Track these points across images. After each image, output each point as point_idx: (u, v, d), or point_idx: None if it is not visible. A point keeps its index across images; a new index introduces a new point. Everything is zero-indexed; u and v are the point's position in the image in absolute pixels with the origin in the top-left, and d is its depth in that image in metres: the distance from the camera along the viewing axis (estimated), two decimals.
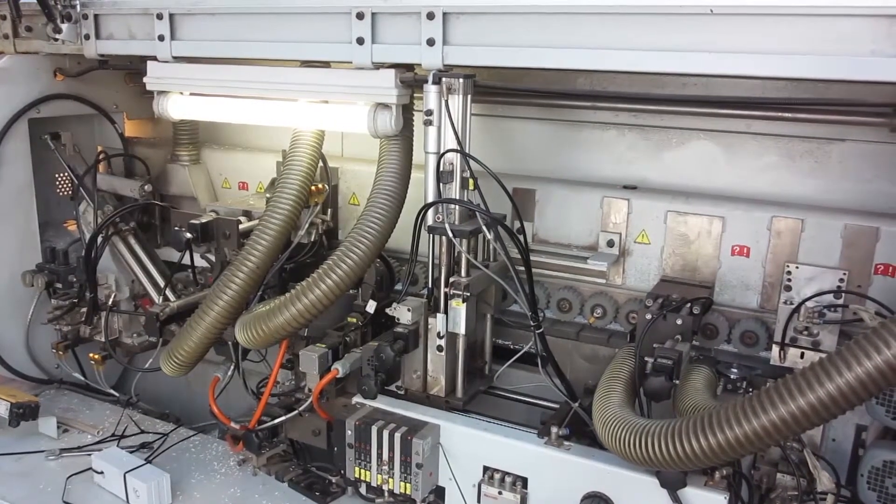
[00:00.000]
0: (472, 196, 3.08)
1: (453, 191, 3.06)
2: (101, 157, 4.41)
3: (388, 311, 3.19)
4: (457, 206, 3.07)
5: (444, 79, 2.97)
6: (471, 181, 3.04)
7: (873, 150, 3.17)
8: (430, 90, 3.00)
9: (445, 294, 3.11)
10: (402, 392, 3.30)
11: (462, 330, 3.12)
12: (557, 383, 3.23)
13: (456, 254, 3.12)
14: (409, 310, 3.11)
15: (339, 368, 3.26)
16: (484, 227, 3.03)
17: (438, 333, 3.15)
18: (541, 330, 3.12)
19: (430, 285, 3.16)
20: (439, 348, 3.17)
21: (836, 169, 3.26)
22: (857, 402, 2.21)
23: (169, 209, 4.39)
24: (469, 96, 3.02)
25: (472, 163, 3.04)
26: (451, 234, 3.00)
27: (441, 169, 3.03)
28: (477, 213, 3.03)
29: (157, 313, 3.76)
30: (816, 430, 3.10)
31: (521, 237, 3.14)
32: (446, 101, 2.98)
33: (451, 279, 3.11)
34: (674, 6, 2.58)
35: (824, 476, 2.84)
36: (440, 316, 3.13)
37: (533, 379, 3.41)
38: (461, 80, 2.96)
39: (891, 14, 2.30)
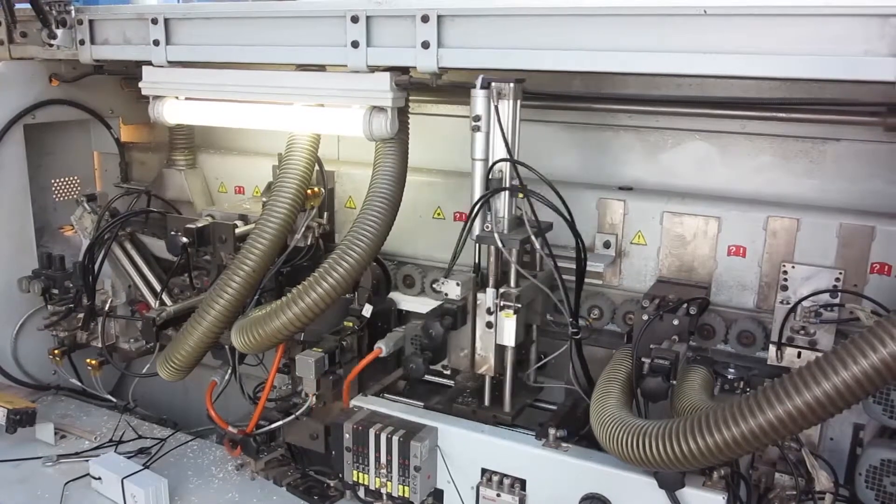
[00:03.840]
0: (522, 204, 2.98)
1: (502, 198, 2.97)
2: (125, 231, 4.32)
3: (434, 286, 2.98)
4: (505, 215, 2.96)
5: (493, 83, 2.88)
6: (520, 192, 2.90)
7: (868, 150, 3.17)
8: (478, 95, 2.92)
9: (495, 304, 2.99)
10: (448, 372, 3.18)
11: (512, 342, 3.01)
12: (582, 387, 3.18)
13: (503, 263, 3.02)
14: (458, 284, 2.97)
15: (383, 347, 3.19)
16: (532, 237, 2.92)
17: (488, 309, 3.02)
18: (578, 336, 3.06)
19: (476, 261, 3.05)
20: (489, 325, 3.03)
21: (831, 168, 3.26)
22: (854, 401, 2.21)
23: (165, 214, 4.38)
24: (518, 101, 2.94)
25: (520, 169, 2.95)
26: (500, 244, 2.90)
27: (490, 177, 2.95)
28: (525, 221, 2.90)
29: (153, 318, 3.76)
30: (814, 429, 3.10)
31: (581, 244, 3.05)
32: (496, 107, 2.89)
33: (501, 290, 2.99)
34: (667, 7, 2.58)
35: (822, 475, 2.84)
36: (490, 291, 2.99)
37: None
38: (511, 84, 2.88)
39: (883, 14, 2.30)
